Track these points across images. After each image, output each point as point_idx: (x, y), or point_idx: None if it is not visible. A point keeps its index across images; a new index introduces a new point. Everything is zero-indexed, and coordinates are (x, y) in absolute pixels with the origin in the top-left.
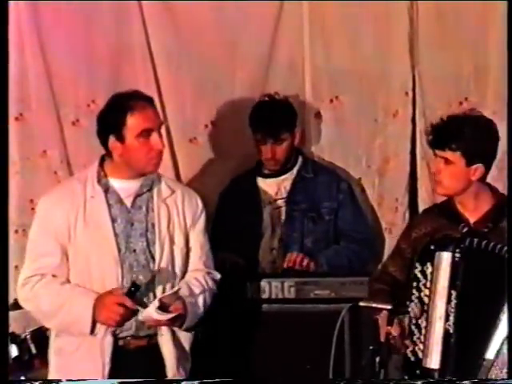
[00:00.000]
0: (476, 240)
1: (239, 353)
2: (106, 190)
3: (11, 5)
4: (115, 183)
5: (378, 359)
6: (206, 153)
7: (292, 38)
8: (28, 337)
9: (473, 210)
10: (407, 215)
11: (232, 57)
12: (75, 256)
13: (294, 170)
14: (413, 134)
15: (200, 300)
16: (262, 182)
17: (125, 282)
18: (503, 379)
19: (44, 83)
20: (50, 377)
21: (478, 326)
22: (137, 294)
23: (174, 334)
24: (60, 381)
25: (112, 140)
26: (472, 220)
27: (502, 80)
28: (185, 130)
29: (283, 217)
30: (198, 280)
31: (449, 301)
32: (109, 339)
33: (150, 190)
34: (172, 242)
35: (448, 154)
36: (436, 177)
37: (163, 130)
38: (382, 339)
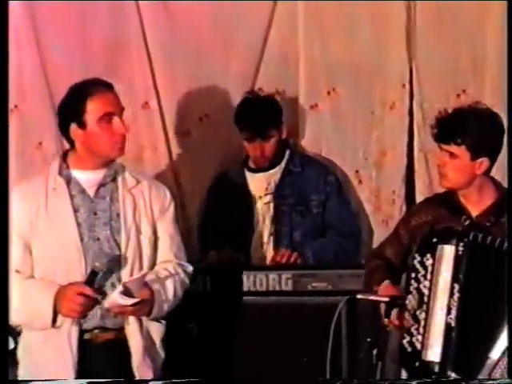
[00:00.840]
0: (481, 235)
1: (235, 346)
2: (68, 181)
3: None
4: (78, 174)
5: (375, 351)
6: (200, 146)
7: (286, 30)
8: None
9: (476, 202)
10: (404, 207)
11: (226, 51)
12: (38, 249)
13: (282, 164)
14: (410, 127)
15: (169, 288)
16: (250, 177)
17: (88, 270)
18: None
19: (39, 75)
20: (20, 375)
21: (481, 321)
22: (96, 280)
23: (141, 324)
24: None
25: (74, 128)
26: (474, 213)
27: (500, 72)
28: (179, 124)
29: (272, 211)
30: (167, 270)
31: (451, 294)
32: (74, 332)
33: (114, 180)
34: (139, 231)
35: (453, 148)
36: (440, 170)
37: (158, 122)
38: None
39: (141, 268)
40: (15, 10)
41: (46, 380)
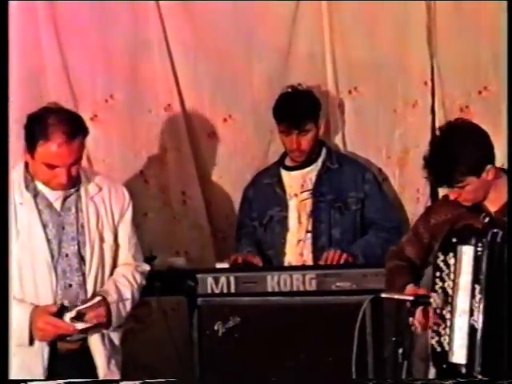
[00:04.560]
0: (501, 233)
1: (259, 347)
2: (35, 195)
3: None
4: (42, 187)
5: (400, 350)
6: (224, 147)
7: (311, 29)
8: None
9: (493, 199)
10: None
11: (248, 50)
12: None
13: (319, 162)
14: (432, 124)
15: (127, 297)
16: (286, 175)
17: (58, 288)
18: None
19: (62, 79)
20: None
21: (504, 322)
22: (65, 313)
23: (102, 334)
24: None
25: (25, 150)
26: (493, 209)
27: None
28: (203, 125)
29: (310, 208)
30: (125, 277)
31: (473, 295)
32: (43, 349)
33: (78, 190)
34: (102, 240)
35: (459, 186)
36: (459, 198)
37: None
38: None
39: (103, 277)
40: (36, 12)
41: (45, 380)
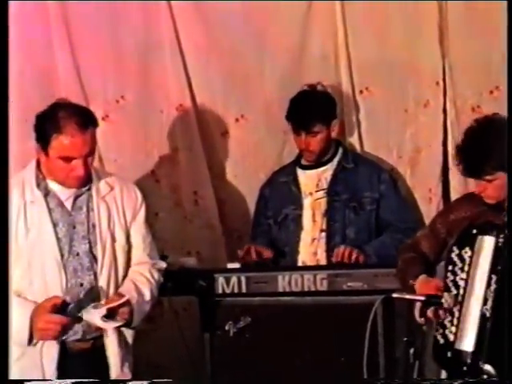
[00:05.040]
0: None
1: (270, 347)
2: (46, 193)
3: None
4: (54, 186)
5: (412, 351)
6: (237, 147)
7: (323, 28)
8: None
9: None
10: (441, 205)
11: (260, 50)
12: (15, 263)
13: (335, 161)
14: (444, 124)
15: (147, 295)
16: (302, 174)
17: (69, 286)
18: None
19: (73, 79)
20: None
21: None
22: (68, 309)
23: (119, 333)
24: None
25: (38, 149)
26: None
27: None
28: (215, 125)
29: (324, 207)
30: (143, 275)
31: (488, 285)
32: (54, 348)
33: (89, 189)
34: (113, 239)
35: (488, 178)
36: (482, 194)
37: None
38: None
39: (116, 276)
40: (47, 12)
41: (45, 380)
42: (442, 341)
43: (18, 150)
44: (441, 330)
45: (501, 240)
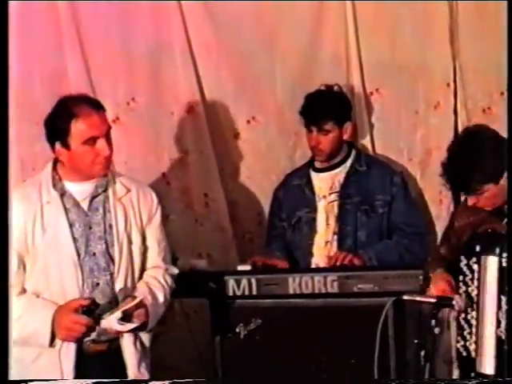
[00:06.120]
0: None
1: (281, 349)
2: (62, 194)
3: (48, 2)
4: (70, 186)
5: (423, 353)
6: (249, 149)
7: (334, 30)
8: None
9: None
10: (452, 207)
11: (271, 51)
12: (33, 264)
13: (348, 164)
14: (455, 126)
15: (160, 299)
16: (315, 177)
17: (85, 286)
18: None
19: (83, 81)
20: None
21: None
22: (95, 310)
23: (136, 335)
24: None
25: (58, 146)
26: None
27: None
28: (226, 127)
29: (337, 210)
30: (157, 279)
31: (499, 306)
32: (71, 349)
33: (106, 190)
34: (130, 241)
35: (477, 194)
36: (477, 204)
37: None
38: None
39: (133, 278)
40: (58, 14)
41: (46, 380)
42: (464, 353)
43: (27, 153)
44: (462, 342)
45: (504, 259)
